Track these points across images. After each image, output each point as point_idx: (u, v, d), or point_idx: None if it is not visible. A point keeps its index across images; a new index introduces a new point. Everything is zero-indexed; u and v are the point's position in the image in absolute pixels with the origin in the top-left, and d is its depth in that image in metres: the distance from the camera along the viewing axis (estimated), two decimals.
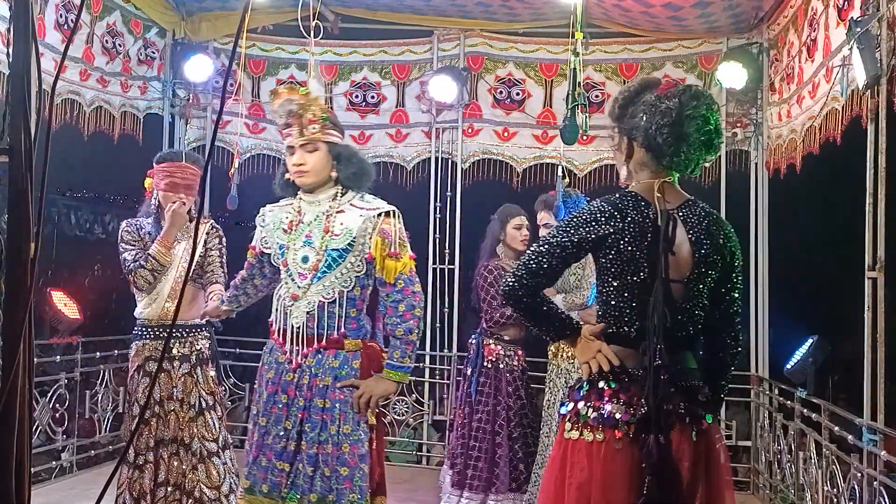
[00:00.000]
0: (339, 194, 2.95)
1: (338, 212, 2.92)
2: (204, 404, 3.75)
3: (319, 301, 2.86)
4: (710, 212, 2.31)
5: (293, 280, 2.92)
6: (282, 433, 2.85)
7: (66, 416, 5.26)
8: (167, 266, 3.72)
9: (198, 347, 3.80)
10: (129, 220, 3.87)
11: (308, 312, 2.86)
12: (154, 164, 3.82)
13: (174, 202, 3.70)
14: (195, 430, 3.71)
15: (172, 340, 3.76)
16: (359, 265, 2.88)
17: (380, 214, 2.90)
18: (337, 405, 2.82)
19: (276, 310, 2.96)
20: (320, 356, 2.86)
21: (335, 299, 2.85)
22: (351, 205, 2.93)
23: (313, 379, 2.85)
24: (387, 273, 2.87)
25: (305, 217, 2.96)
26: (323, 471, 2.78)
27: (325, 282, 2.87)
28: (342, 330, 2.86)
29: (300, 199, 3.00)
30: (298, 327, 2.88)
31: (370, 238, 2.88)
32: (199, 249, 3.80)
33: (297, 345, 2.88)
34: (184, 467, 3.69)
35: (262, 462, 2.87)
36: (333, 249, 2.87)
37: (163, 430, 3.70)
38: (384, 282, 2.88)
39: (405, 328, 2.86)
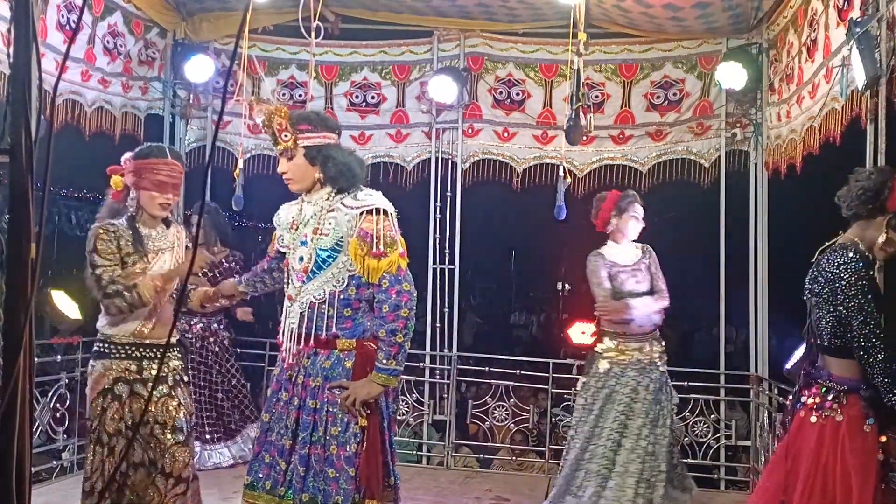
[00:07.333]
0: (333, 194, 2.96)
1: (329, 211, 2.92)
2: (188, 429, 3.37)
3: (311, 302, 2.88)
4: (835, 250, 2.87)
5: (291, 281, 2.97)
6: (282, 430, 2.88)
7: (67, 416, 5.25)
8: (148, 305, 3.30)
9: (172, 366, 3.42)
10: (106, 223, 3.34)
11: (301, 313, 2.90)
12: (133, 159, 3.37)
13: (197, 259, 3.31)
14: (179, 456, 3.30)
15: (145, 361, 3.33)
16: (351, 264, 2.87)
17: (362, 213, 2.87)
18: (326, 406, 2.83)
19: (282, 309, 3.03)
20: (314, 356, 2.88)
21: (326, 299, 2.87)
22: (342, 204, 2.92)
23: (307, 379, 2.87)
24: (369, 273, 2.83)
25: (304, 217, 2.98)
26: (315, 471, 2.81)
27: (316, 282, 2.89)
28: (333, 330, 2.87)
29: (302, 199, 3.03)
30: (293, 327, 2.91)
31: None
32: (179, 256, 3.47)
33: (293, 344, 2.92)
34: (163, 495, 3.27)
35: (265, 458, 2.91)
36: (322, 250, 2.89)
37: (140, 454, 3.31)
38: (370, 282, 2.86)
39: (388, 329, 2.81)
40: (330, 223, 2.90)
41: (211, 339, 5.57)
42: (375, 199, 2.93)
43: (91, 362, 3.38)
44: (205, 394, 5.46)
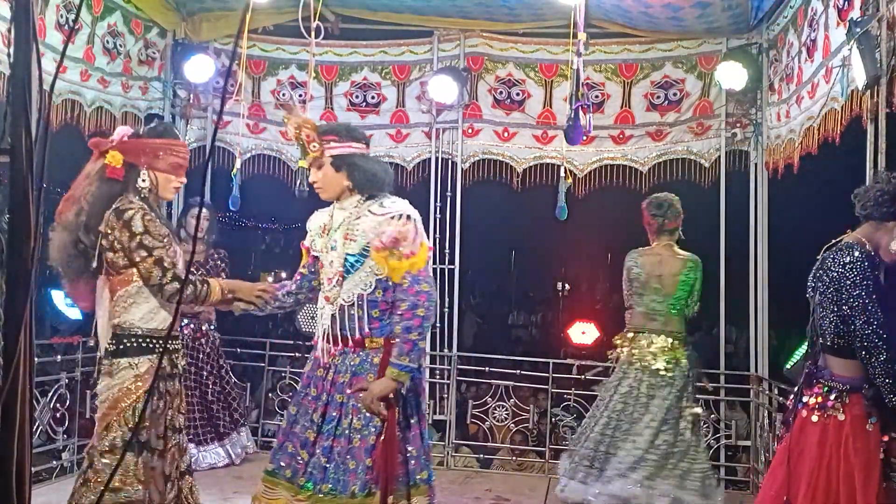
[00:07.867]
0: (361, 201, 3.09)
1: (356, 218, 3.06)
2: (181, 428, 3.19)
3: (341, 304, 3.03)
4: (841, 249, 2.86)
5: (324, 284, 3.12)
6: (307, 424, 3.02)
7: (67, 416, 5.26)
8: (208, 305, 3.33)
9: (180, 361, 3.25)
10: (137, 202, 3.02)
11: (333, 315, 3.05)
12: (147, 137, 3.12)
13: (262, 293, 3.23)
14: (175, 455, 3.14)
15: (175, 354, 3.16)
16: (378, 268, 3.02)
17: (386, 219, 3.01)
18: (351, 400, 2.97)
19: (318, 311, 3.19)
20: (345, 355, 3.03)
21: (355, 302, 3.02)
22: (369, 211, 3.06)
23: (336, 375, 3.01)
24: (393, 273, 2.99)
25: (335, 223, 3.13)
26: (337, 462, 2.93)
27: (346, 286, 3.04)
28: (364, 331, 3.01)
29: (334, 205, 3.18)
30: (326, 329, 3.07)
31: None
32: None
33: (327, 344, 3.06)
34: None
35: (287, 448, 3.04)
36: (350, 255, 3.04)
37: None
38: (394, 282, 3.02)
39: (403, 326, 2.96)
40: (357, 229, 3.04)
41: (202, 341, 5.57)
42: (400, 205, 3.07)
43: (128, 360, 2.99)
44: (196, 395, 5.46)
